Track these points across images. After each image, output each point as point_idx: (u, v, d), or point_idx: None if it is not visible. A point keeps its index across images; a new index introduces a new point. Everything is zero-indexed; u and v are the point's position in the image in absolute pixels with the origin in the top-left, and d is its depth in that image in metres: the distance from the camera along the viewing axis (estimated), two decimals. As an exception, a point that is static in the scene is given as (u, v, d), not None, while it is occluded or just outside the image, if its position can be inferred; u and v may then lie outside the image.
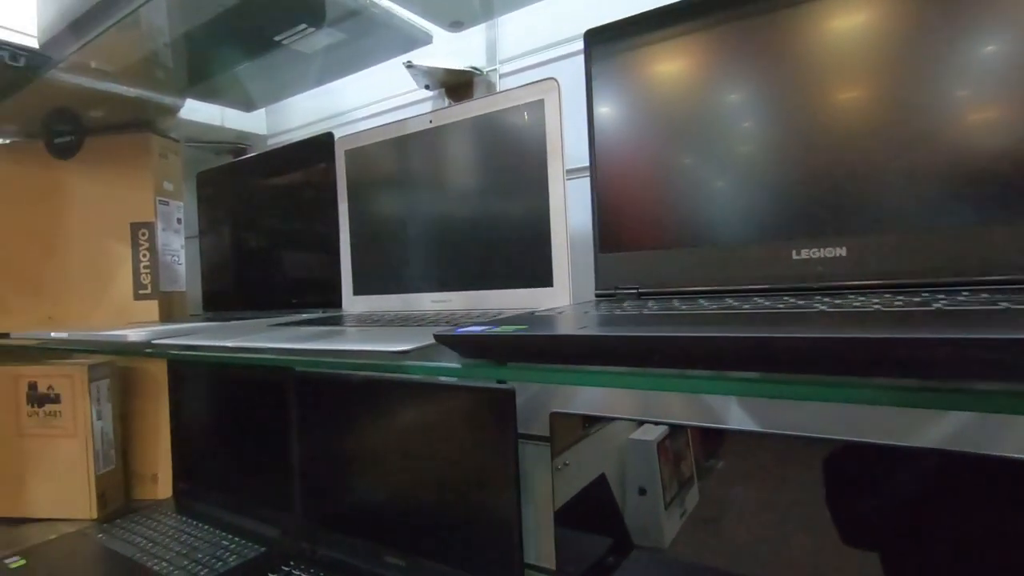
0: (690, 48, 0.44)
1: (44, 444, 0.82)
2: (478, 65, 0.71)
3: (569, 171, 0.50)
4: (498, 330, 0.29)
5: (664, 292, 0.45)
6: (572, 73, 0.52)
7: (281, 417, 0.71)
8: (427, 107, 0.78)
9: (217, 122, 0.93)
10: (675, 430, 0.44)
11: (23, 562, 0.67)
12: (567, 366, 0.28)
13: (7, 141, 0.88)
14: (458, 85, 0.73)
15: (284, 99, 0.90)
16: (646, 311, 0.35)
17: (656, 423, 0.46)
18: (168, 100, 0.79)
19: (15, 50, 0.61)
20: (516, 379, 0.57)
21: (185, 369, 0.85)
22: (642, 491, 0.46)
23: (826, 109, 0.39)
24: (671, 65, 0.45)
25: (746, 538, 0.40)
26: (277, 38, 0.64)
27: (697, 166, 0.44)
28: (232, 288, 0.82)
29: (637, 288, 0.46)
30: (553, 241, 0.50)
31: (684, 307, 0.36)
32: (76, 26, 0.56)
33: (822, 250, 0.39)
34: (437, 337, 0.31)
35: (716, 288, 0.43)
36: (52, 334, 0.65)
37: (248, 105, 0.91)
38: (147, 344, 0.52)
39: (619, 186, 0.47)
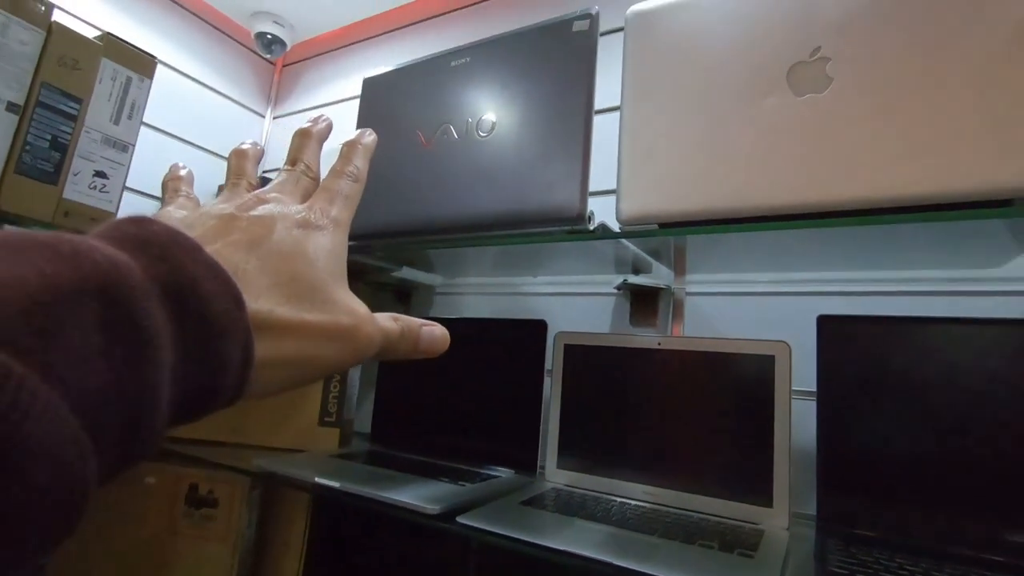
0: (914, 335, 0.60)
1: (194, 544, 0.86)
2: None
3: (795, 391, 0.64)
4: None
5: (877, 538, 0.57)
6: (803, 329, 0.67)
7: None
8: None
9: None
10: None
11: None
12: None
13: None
14: (646, 294, 0.89)
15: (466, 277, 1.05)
16: None
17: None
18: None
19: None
20: None
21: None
22: None
23: None
24: (904, 347, 0.61)
25: None
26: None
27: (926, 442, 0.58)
28: (408, 424, 0.91)
29: (852, 529, 0.59)
30: (776, 470, 0.62)
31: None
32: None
33: None
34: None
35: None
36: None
37: (429, 270, 1.04)
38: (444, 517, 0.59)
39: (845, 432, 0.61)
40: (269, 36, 1.36)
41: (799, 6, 0.49)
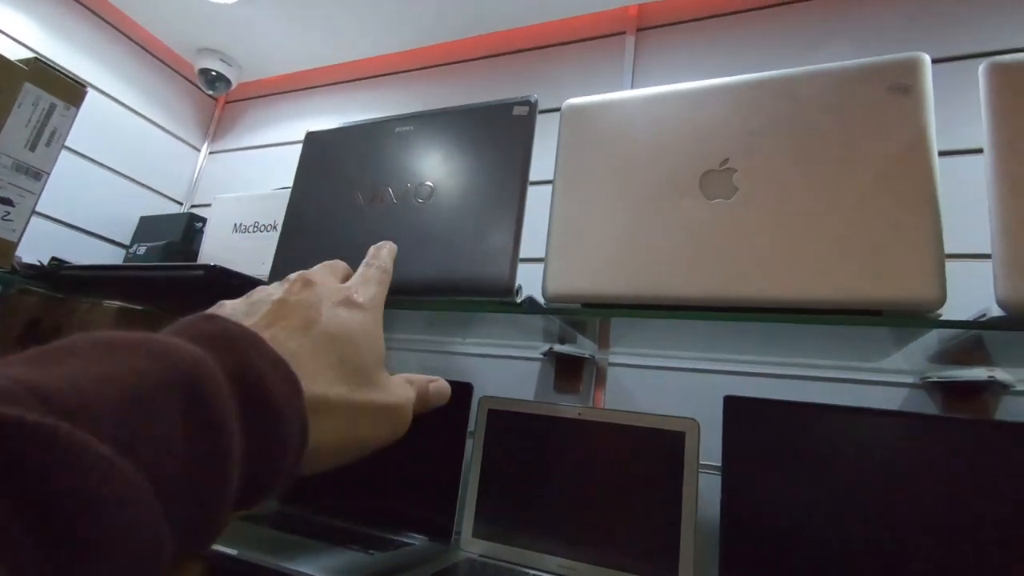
0: (813, 421, 0.65)
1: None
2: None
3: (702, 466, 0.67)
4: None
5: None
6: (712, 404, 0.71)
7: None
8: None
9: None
10: None
11: None
12: None
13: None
14: (570, 362, 0.91)
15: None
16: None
17: None
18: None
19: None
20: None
21: None
22: None
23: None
24: (809, 430, 0.66)
25: None
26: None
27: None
28: (322, 483, 0.87)
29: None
30: (682, 544, 0.64)
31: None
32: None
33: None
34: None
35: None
36: None
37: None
38: None
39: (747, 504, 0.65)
40: (214, 73, 1.34)
41: (714, 120, 0.55)
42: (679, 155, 0.55)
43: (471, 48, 1.21)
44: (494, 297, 0.61)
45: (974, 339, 0.54)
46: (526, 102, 0.66)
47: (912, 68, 0.49)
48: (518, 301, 0.61)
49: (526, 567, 0.69)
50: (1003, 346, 0.57)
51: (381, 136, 0.74)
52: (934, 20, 0.85)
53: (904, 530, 0.59)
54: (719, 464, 0.68)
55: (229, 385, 0.18)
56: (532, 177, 0.64)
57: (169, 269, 0.82)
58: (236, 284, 0.71)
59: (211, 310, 0.26)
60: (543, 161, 0.68)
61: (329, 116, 1.36)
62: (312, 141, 0.80)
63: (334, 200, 0.73)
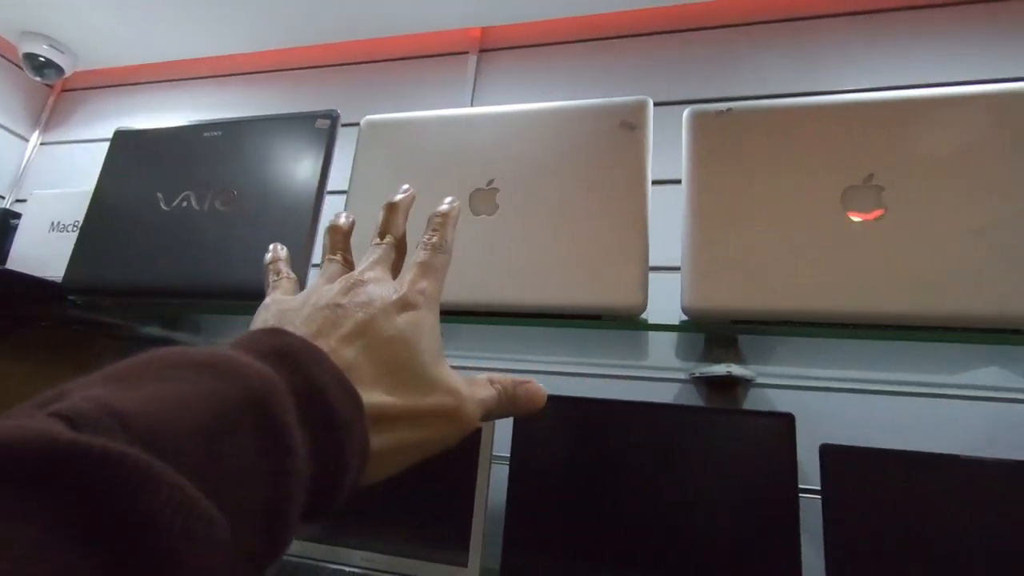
0: (590, 414, 0.73)
1: None
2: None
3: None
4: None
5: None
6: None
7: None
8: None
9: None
10: None
11: None
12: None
13: None
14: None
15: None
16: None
17: None
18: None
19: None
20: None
21: None
22: None
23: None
24: (582, 424, 0.73)
25: None
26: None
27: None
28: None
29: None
30: (474, 523, 0.69)
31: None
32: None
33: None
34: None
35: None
36: None
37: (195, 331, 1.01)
38: None
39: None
40: (42, 59, 1.25)
41: (482, 144, 0.61)
42: (451, 172, 0.61)
43: (320, 55, 1.22)
44: (286, 302, 0.63)
45: (727, 340, 0.63)
46: (329, 115, 0.69)
47: (638, 109, 0.58)
48: (310, 306, 0.64)
49: (329, 562, 0.72)
50: (749, 345, 0.67)
51: (190, 140, 0.73)
52: (658, 70, 1.02)
53: (669, 508, 0.69)
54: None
55: (295, 404, 0.19)
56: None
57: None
58: (19, 292, 0.68)
59: (271, 316, 0.27)
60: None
61: (171, 113, 1.31)
62: (120, 139, 0.78)
63: (136, 202, 0.72)
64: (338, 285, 0.27)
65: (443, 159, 0.62)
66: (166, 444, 0.15)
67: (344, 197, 0.64)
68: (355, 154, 0.66)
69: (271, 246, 0.36)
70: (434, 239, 0.30)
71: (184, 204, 0.69)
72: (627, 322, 0.54)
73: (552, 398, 0.77)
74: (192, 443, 0.15)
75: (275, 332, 0.22)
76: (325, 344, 0.23)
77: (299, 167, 0.67)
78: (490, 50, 1.14)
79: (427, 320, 0.27)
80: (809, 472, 0.69)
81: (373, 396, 0.23)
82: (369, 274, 0.28)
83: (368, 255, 0.30)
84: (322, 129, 0.68)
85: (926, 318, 0.47)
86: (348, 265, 0.32)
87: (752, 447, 0.68)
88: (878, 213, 0.49)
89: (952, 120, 0.50)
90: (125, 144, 0.77)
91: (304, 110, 0.71)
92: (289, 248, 0.64)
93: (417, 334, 0.26)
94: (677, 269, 0.53)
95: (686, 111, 0.57)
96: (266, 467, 0.17)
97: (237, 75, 1.29)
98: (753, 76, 0.97)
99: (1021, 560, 0.59)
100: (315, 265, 0.65)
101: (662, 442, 0.71)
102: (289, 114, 0.71)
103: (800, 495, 0.64)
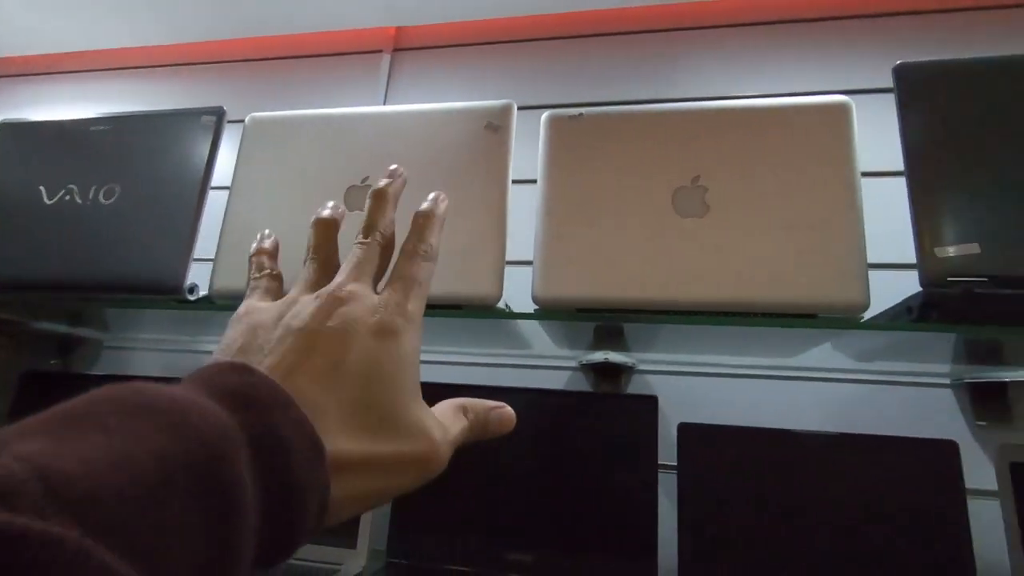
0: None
1: None
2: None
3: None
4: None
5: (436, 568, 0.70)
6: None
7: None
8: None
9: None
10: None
11: None
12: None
13: None
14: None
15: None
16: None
17: None
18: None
19: None
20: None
21: None
22: None
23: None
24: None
25: None
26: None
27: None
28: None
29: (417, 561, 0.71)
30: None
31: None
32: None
33: None
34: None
35: None
36: None
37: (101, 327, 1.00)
38: None
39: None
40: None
41: (360, 144, 0.64)
42: (328, 171, 0.64)
43: (232, 50, 1.22)
44: (166, 295, 0.64)
45: (616, 328, 0.68)
46: (214, 112, 0.70)
47: (503, 112, 0.62)
48: (191, 299, 0.65)
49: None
50: (635, 335, 0.71)
51: (76, 134, 0.73)
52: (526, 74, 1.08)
53: (540, 486, 0.73)
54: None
55: (251, 456, 0.18)
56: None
57: None
58: None
59: (239, 336, 0.25)
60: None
61: (82, 104, 1.28)
62: (5, 132, 0.77)
63: (17, 196, 0.71)
64: (313, 303, 0.25)
65: (322, 158, 0.65)
66: (100, 515, 0.14)
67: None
68: (238, 151, 0.68)
69: (258, 234, 0.33)
70: (420, 246, 0.28)
71: (67, 198, 0.69)
72: (483, 311, 0.58)
73: (443, 386, 0.81)
74: (129, 509, 0.14)
75: (238, 369, 0.21)
76: (292, 384, 0.21)
77: (183, 163, 0.68)
78: (404, 49, 1.16)
79: (407, 346, 0.25)
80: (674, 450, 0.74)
81: (339, 442, 0.22)
82: (348, 287, 0.26)
83: (351, 257, 0.28)
84: (207, 125, 0.69)
85: (743, 305, 0.52)
86: (330, 267, 0.29)
87: (621, 428, 0.73)
88: (703, 212, 0.54)
89: (766, 128, 0.55)
90: (9, 136, 0.76)
91: (210, 105, 0.72)
92: (172, 242, 0.66)
93: (394, 367, 0.24)
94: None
95: (544, 115, 0.61)
96: (211, 533, 0.16)
97: (144, 68, 1.27)
98: (625, 83, 1.03)
99: (852, 521, 0.67)
100: (196, 260, 0.66)
101: (531, 426, 0.76)
102: (175, 110, 0.72)
103: (662, 471, 0.70)
